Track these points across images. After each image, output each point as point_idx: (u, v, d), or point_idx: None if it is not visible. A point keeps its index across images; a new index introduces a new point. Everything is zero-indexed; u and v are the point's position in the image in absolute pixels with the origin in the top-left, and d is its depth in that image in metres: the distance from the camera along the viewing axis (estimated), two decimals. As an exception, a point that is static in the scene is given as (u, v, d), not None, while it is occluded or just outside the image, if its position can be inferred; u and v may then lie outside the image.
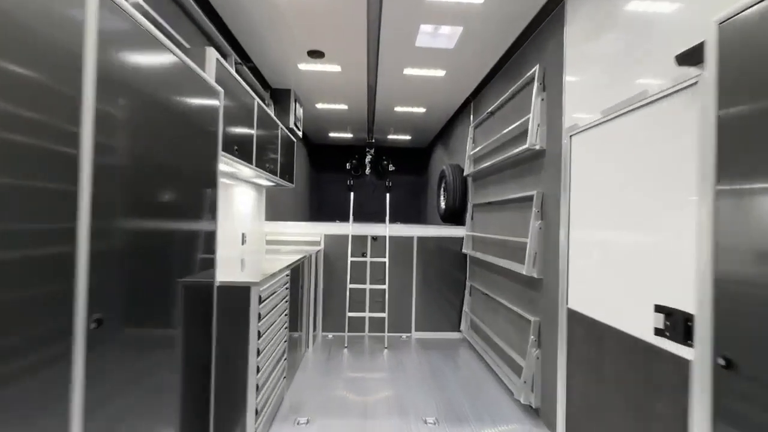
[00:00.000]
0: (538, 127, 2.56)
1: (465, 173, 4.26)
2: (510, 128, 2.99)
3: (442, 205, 4.98)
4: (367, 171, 6.84)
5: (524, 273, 2.58)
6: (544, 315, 2.47)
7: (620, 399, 1.70)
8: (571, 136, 2.19)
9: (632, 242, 1.65)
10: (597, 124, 1.93)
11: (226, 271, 2.18)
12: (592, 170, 1.98)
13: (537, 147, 2.56)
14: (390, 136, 6.75)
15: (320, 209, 7.71)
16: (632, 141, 1.67)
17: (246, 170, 2.72)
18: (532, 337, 2.56)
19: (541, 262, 2.52)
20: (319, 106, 4.94)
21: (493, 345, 3.43)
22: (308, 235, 4.27)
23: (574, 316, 2.09)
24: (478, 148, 3.94)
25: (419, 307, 4.32)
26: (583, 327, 1.99)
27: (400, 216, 7.77)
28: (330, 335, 4.20)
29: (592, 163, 1.99)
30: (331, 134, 6.69)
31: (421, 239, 4.34)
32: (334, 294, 4.25)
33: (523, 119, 2.74)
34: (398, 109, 5.00)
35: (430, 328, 4.31)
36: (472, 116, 4.42)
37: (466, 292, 4.26)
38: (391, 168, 7.71)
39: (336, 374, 3.17)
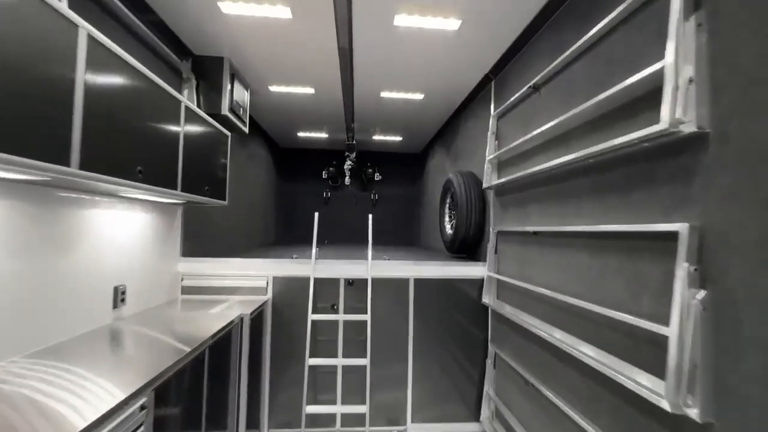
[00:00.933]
0: (689, 85, 1.18)
1: (485, 185, 2.87)
2: (601, 97, 1.60)
3: (448, 229, 3.57)
4: (348, 180, 5.41)
5: (663, 404, 1.16)
6: None
7: None
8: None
9: None
10: None
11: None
12: None
13: (687, 129, 1.17)
14: (376, 137, 5.37)
15: (289, 230, 6.22)
16: None
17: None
18: None
19: (708, 384, 1.11)
20: (275, 89, 3.51)
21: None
22: (247, 278, 2.79)
23: None
24: (505, 148, 2.56)
25: (418, 385, 2.86)
26: None
27: (388, 239, 6.32)
28: (280, 436, 2.71)
29: None
30: (301, 134, 5.27)
31: (420, 282, 2.91)
32: (286, 371, 2.76)
33: (642, 75, 1.36)
34: (386, 94, 3.62)
35: (435, 417, 2.86)
36: (493, 102, 3.05)
37: (488, 361, 2.82)
38: (377, 177, 6.30)
39: None
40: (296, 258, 2.94)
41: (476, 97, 3.42)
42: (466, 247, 3.24)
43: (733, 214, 1.06)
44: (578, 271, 1.82)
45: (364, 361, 2.62)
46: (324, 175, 6.17)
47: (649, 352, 1.33)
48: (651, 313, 1.33)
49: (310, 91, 3.56)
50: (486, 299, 2.86)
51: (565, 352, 1.82)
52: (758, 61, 1.01)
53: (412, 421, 2.83)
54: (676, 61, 1.19)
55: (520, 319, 2.31)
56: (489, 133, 2.92)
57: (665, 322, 1.20)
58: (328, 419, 2.69)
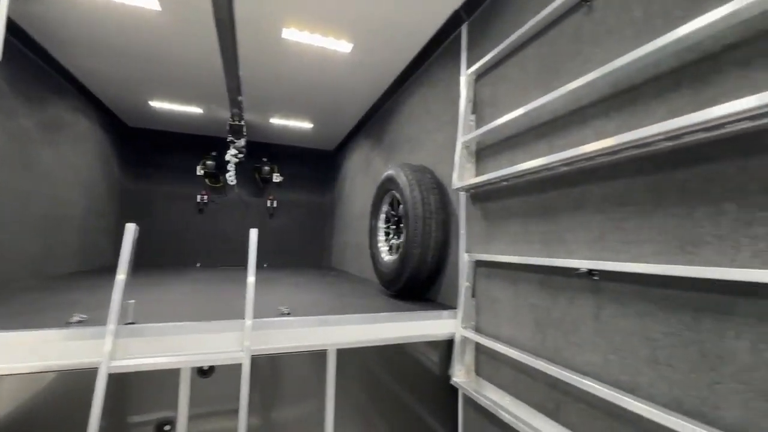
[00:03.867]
0: None
1: (455, 185, 1.72)
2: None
3: (385, 255, 2.33)
4: (232, 179, 3.80)
5: None
6: None
7: None
8: None
9: None
10: None
11: None
12: None
13: None
14: (276, 120, 3.90)
15: (148, 246, 4.25)
16: None
17: None
18: None
19: None
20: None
21: None
22: None
23: None
24: (495, 123, 1.46)
25: None
26: None
27: (291, 261, 4.79)
28: None
29: None
30: (156, 104, 3.49)
31: (347, 355, 1.59)
32: None
33: None
34: (291, 36, 2.26)
35: None
36: (465, 55, 1.95)
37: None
38: (276, 178, 4.78)
39: None
40: (79, 321, 1.36)
41: (436, 51, 2.29)
42: (419, 283, 2.03)
43: None
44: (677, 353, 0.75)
45: None
46: (199, 170, 4.40)
47: None
48: None
49: (158, 17, 1.99)
50: (458, 375, 1.68)
51: None
52: None
53: None
54: None
55: (527, 425, 1.18)
56: (462, 102, 1.81)
57: None
58: None
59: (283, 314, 1.59)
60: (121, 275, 1.25)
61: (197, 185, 4.49)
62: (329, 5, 1.97)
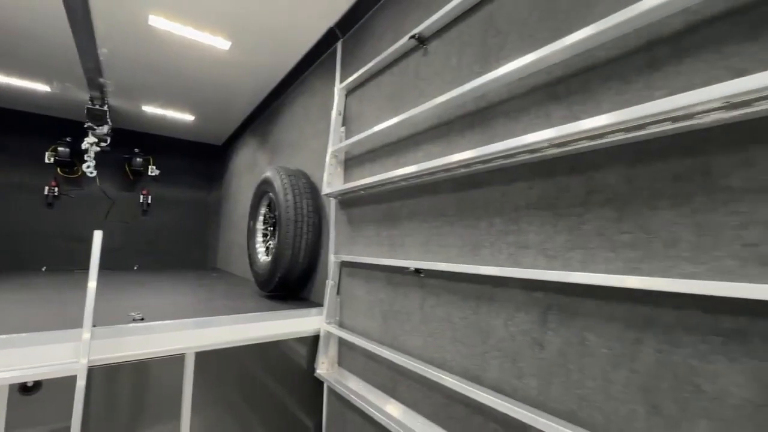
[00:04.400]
0: None
1: (325, 190, 1.86)
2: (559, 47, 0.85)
3: (262, 256, 2.35)
4: (91, 169, 3.34)
5: None
6: None
7: None
8: None
9: None
10: None
11: None
12: None
13: None
14: (150, 109, 3.54)
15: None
16: None
17: None
18: None
19: None
20: None
21: None
22: None
23: None
24: (361, 135, 1.64)
25: None
26: None
27: (171, 263, 4.38)
28: None
29: None
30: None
31: (206, 358, 1.59)
32: None
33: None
34: (158, 23, 2.12)
35: None
36: (339, 70, 2.09)
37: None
38: (152, 171, 4.32)
39: None
40: None
41: (314, 63, 2.39)
42: (291, 283, 2.11)
43: None
44: (516, 351, 1.03)
45: None
46: (48, 158, 3.73)
47: None
48: None
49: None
50: (322, 368, 1.82)
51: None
52: None
53: None
54: None
55: (383, 412, 1.39)
56: (333, 113, 1.95)
57: None
58: None
59: (135, 320, 1.51)
60: None
61: (46, 175, 3.81)
62: (202, 1, 1.91)
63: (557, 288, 0.94)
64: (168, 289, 2.55)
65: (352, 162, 1.88)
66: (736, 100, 0.62)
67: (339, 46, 2.10)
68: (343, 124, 1.96)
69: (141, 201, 4.29)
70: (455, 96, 1.17)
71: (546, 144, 0.90)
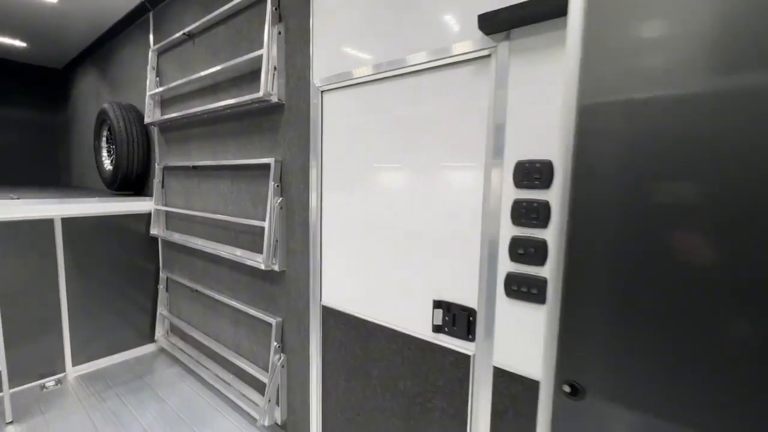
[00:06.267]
0: (275, 71, 1.88)
1: (147, 120, 2.90)
2: (229, 64, 2.12)
3: (107, 165, 3.31)
4: None
5: (262, 267, 1.96)
6: (289, 314, 2.00)
7: (391, 399, 1.52)
8: (323, 92, 1.68)
9: (405, 228, 1.42)
10: (364, 82, 1.52)
11: None
12: (355, 138, 1.58)
13: (274, 99, 1.89)
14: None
15: None
16: (411, 109, 1.38)
17: None
18: (274, 343, 2.04)
19: (283, 250, 1.98)
20: None
21: (213, 354, 2.65)
22: None
23: (331, 314, 1.74)
24: (167, 86, 2.71)
25: (80, 328, 2.74)
26: (344, 325, 1.68)
27: (17, 179, 4.76)
28: None
29: (354, 128, 1.58)
30: None
31: (71, 223, 2.66)
32: None
33: (252, 55, 1.96)
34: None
35: (104, 352, 2.88)
36: (152, 35, 3.00)
37: (161, 287, 3.09)
38: (-15, 92, 4.45)
39: None
40: None
41: (134, 23, 3.18)
42: (131, 184, 3.18)
43: (296, 155, 1.88)
44: (225, 196, 2.41)
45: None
46: None
47: (255, 240, 2.11)
48: (261, 216, 2.10)
49: None
50: (155, 231, 3.04)
51: (218, 256, 2.43)
52: (305, 63, 1.80)
53: (74, 365, 2.73)
54: (267, 54, 1.85)
55: (188, 242, 2.72)
56: (149, 68, 2.91)
57: (261, 219, 1.97)
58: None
59: (12, 198, 2.47)
60: None
61: None
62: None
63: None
64: (28, 193, 3.34)
65: (166, 101, 2.93)
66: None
67: (151, 16, 2.97)
68: (157, 76, 2.94)
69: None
70: (211, 72, 2.33)
71: (221, 108, 2.18)
